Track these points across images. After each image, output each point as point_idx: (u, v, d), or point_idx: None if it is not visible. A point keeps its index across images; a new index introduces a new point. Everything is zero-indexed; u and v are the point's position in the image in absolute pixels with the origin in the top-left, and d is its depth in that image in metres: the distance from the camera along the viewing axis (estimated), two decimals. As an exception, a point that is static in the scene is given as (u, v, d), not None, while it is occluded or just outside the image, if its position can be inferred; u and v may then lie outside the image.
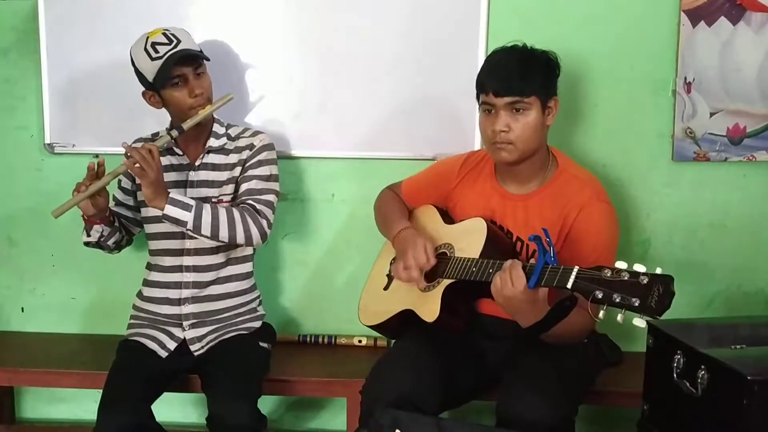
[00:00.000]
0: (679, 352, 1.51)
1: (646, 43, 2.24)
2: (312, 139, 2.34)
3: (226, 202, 2.07)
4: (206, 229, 1.94)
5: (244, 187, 2.06)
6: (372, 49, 2.28)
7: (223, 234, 1.96)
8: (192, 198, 1.99)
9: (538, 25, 2.23)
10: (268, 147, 2.11)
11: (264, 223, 2.02)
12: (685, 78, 2.22)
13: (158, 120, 2.16)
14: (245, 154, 2.09)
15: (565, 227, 1.84)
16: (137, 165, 1.87)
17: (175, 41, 1.97)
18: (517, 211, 1.90)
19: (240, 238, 1.98)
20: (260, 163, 2.08)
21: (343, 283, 2.42)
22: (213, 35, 2.27)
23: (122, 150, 2.17)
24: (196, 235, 1.96)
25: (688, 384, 1.47)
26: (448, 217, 2.03)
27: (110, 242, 2.11)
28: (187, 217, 1.92)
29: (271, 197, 2.07)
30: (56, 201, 2.23)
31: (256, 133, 2.13)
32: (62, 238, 2.39)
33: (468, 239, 1.87)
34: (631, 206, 2.31)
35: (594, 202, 1.84)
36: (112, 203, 2.11)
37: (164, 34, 1.98)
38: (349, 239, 2.40)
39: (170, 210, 1.91)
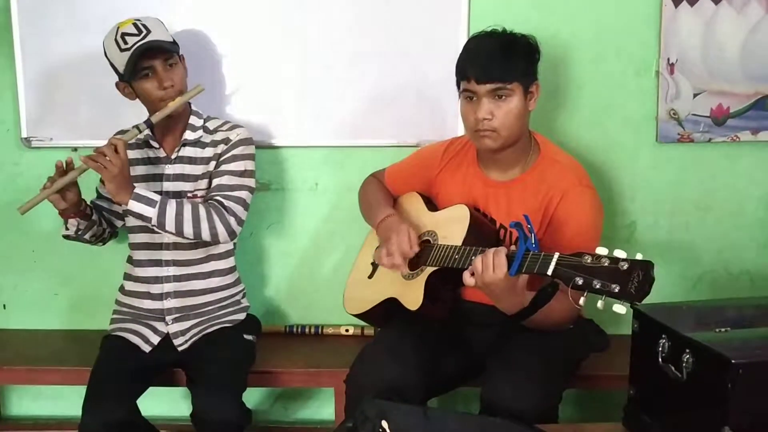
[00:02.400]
0: (663, 336, 1.50)
1: (628, 24, 2.22)
2: (294, 128, 2.32)
3: (200, 197, 2.04)
4: (170, 225, 1.91)
5: (215, 182, 2.02)
6: (352, 36, 2.26)
7: (188, 230, 1.93)
8: (168, 192, 1.96)
9: (519, 8, 2.21)
10: (245, 141, 2.07)
11: (232, 220, 1.97)
12: (668, 59, 2.21)
13: (136, 112, 2.13)
14: (220, 148, 2.05)
15: (547, 213, 1.83)
16: (93, 162, 1.83)
17: (144, 32, 1.93)
18: (499, 197, 1.89)
19: (205, 234, 1.94)
20: (234, 158, 2.04)
21: (328, 272, 2.40)
22: (191, 24, 2.23)
23: (102, 143, 2.15)
24: (160, 231, 1.93)
25: (673, 368, 1.46)
26: (432, 205, 2.02)
27: (87, 236, 2.08)
28: (151, 212, 1.89)
29: (243, 193, 2.02)
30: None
31: (233, 127, 2.09)
32: (43, 233, 2.36)
33: (451, 227, 1.86)
34: (616, 189, 2.30)
35: (576, 187, 1.83)
36: (94, 196, 2.08)
37: (134, 25, 1.94)
38: (334, 228, 2.38)
39: (134, 205, 1.88)
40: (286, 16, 2.26)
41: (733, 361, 1.33)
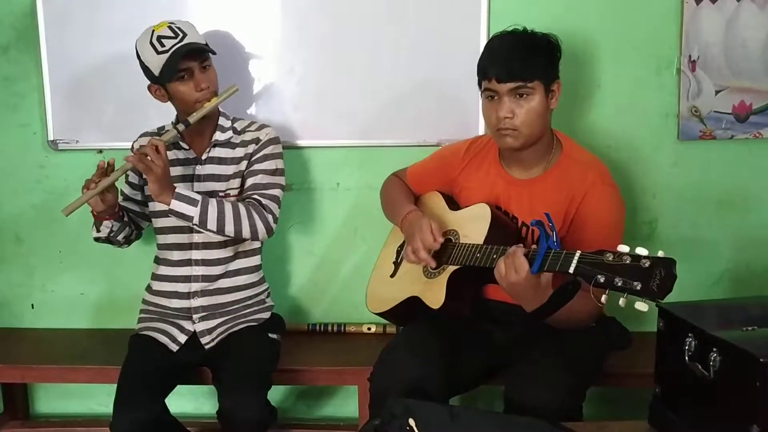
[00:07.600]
0: (690, 335, 1.49)
1: (649, 21, 2.22)
2: (315, 128, 2.33)
3: (233, 196, 2.06)
4: (212, 223, 1.94)
5: (249, 181, 2.05)
6: (373, 36, 2.27)
7: (229, 229, 1.96)
8: (199, 192, 1.99)
9: (540, 6, 2.21)
10: (274, 141, 2.10)
11: (270, 217, 2.01)
12: (690, 56, 2.21)
13: (161, 113, 2.16)
14: (251, 148, 2.08)
15: (570, 212, 1.83)
16: (141, 163, 1.86)
17: (181, 35, 1.95)
18: (522, 196, 1.90)
19: (246, 232, 1.98)
20: (266, 158, 2.07)
21: (350, 271, 2.42)
22: (212, 26, 2.25)
23: (127, 144, 2.18)
24: (202, 230, 1.96)
25: (700, 367, 1.46)
26: (454, 203, 2.03)
27: (120, 237, 2.11)
28: (193, 212, 1.92)
29: (277, 191, 2.07)
30: (62, 198, 2.25)
31: (262, 127, 2.13)
32: (69, 234, 2.40)
33: (472, 225, 1.86)
34: (637, 187, 2.30)
35: (599, 185, 1.83)
36: (120, 198, 2.11)
37: (170, 28, 1.96)
38: (356, 227, 2.40)
39: (176, 205, 1.90)
40: (306, 16, 2.27)
41: (761, 360, 1.32)
